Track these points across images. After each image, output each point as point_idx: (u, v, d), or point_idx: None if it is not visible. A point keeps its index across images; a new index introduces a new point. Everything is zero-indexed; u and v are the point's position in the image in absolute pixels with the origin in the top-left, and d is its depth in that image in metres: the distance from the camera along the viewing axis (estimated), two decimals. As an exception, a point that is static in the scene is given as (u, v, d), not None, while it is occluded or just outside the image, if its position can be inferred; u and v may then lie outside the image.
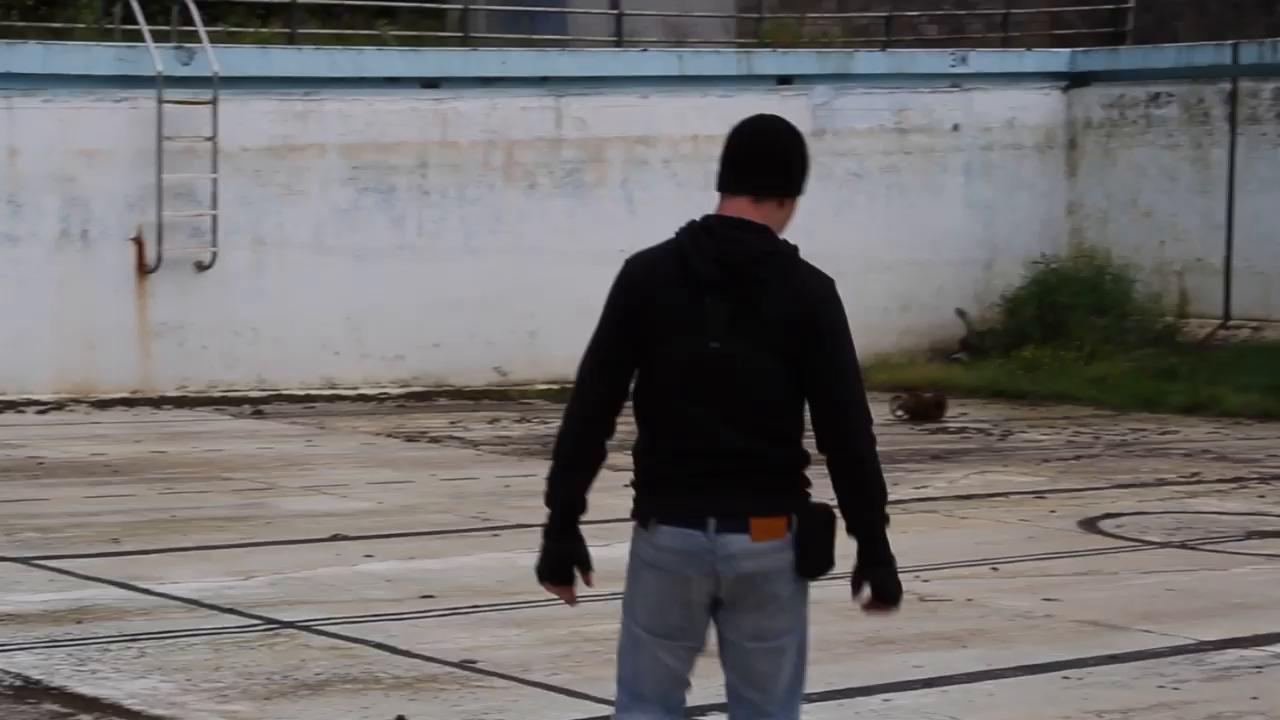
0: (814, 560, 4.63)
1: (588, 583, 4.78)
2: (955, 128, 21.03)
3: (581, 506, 4.73)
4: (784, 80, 20.10)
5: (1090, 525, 11.68)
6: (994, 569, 10.22)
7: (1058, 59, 21.81)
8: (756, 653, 4.68)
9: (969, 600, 9.35)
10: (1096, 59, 21.80)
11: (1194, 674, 7.93)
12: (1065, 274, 20.53)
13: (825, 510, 4.65)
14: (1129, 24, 23.05)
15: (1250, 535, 11.44)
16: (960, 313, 20.77)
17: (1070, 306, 20.10)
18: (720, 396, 4.56)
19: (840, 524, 4.69)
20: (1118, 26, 23.08)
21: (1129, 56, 21.77)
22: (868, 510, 4.65)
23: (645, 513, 4.68)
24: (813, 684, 6.83)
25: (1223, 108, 20.87)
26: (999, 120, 21.31)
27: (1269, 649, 8.38)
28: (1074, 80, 21.79)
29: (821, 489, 4.71)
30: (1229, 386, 18.37)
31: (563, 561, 4.76)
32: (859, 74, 20.53)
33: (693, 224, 4.65)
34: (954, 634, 8.64)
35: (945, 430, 16.54)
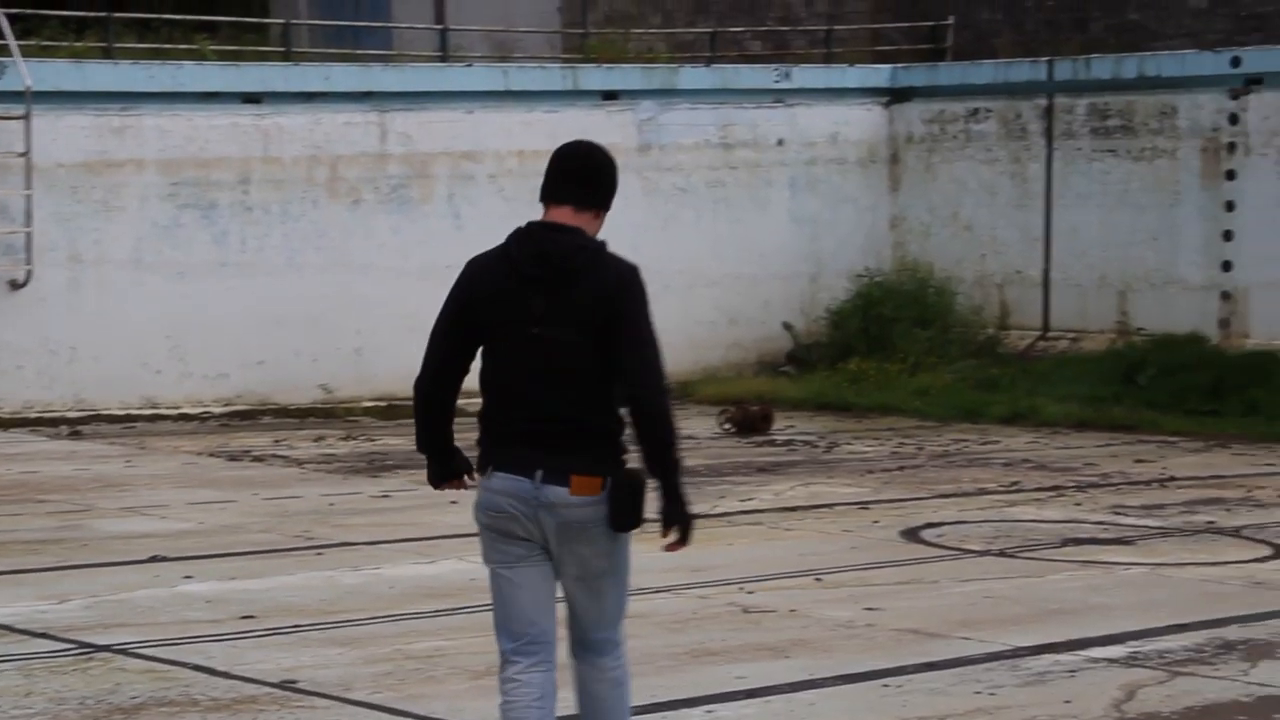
0: (623, 517, 5.48)
1: (471, 478, 5.67)
2: (780, 143, 21.22)
3: (448, 439, 5.68)
4: (609, 95, 20.15)
5: (912, 535, 11.82)
6: (817, 579, 10.30)
7: (879, 75, 22.10)
8: (581, 590, 5.60)
9: (792, 611, 9.41)
10: (917, 75, 22.12)
11: (1009, 679, 8.04)
12: (889, 287, 20.79)
13: (636, 475, 5.48)
14: (948, 41, 23.42)
15: (1066, 542, 11.63)
16: (787, 326, 20.95)
17: (894, 319, 20.35)
18: (545, 372, 5.46)
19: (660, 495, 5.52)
20: (937, 43, 23.43)
21: (948, 73, 22.12)
22: (663, 455, 5.48)
23: (485, 462, 5.60)
24: (636, 696, 6.85)
25: (1039, 123, 21.27)
26: (823, 135, 21.54)
27: (1082, 653, 8.52)
28: (895, 96, 22.09)
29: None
30: (1048, 397, 18.71)
31: (445, 469, 5.72)
32: (684, 89, 20.64)
33: (518, 229, 5.57)
34: (777, 645, 8.70)
35: (772, 443, 16.66)
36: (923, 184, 22.05)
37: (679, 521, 5.53)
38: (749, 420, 17.35)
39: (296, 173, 18.39)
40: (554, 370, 5.45)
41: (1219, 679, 8.07)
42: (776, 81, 21.27)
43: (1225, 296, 19.88)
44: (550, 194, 5.55)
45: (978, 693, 7.80)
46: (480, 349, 5.60)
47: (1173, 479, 14.56)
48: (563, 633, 5.74)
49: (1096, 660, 8.40)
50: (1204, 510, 12.96)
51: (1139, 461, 15.59)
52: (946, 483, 14.27)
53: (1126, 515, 12.73)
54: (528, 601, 5.55)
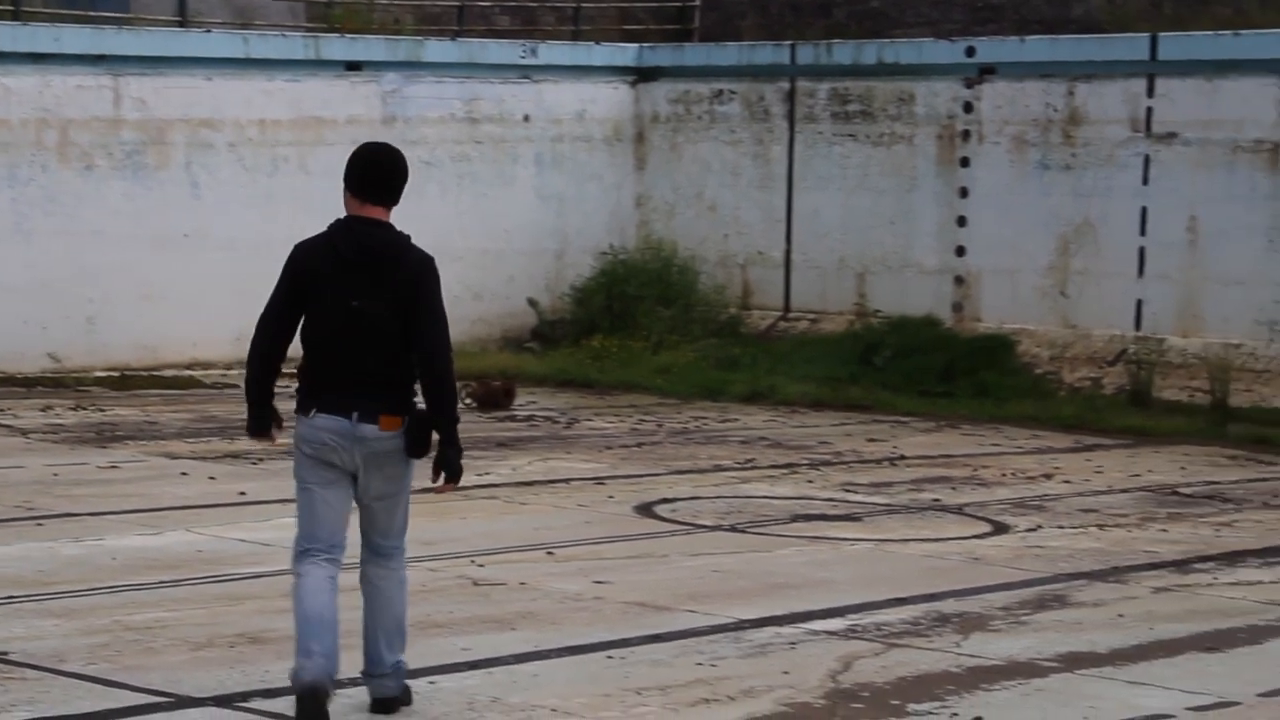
0: (417, 446, 6.97)
1: (279, 428, 7.04)
2: (526, 119, 21.20)
3: (270, 395, 7.03)
4: (353, 66, 19.92)
5: (646, 510, 11.91)
6: (549, 553, 10.33)
7: (626, 53, 22.18)
8: (378, 507, 7.06)
9: (522, 584, 9.42)
10: (663, 55, 22.26)
11: (731, 651, 8.15)
12: (633, 265, 20.90)
13: (426, 415, 6.95)
14: (695, 21, 23.60)
15: (796, 518, 11.82)
16: (532, 302, 20.95)
17: (638, 297, 20.47)
18: (359, 336, 6.88)
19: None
20: (684, 24, 23.60)
21: (694, 53, 22.29)
22: (443, 412, 6.95)
23: (308, 406, 6.96)
24: (354, 667, 6.81)
25: (782, 106, 21.55)
26: (569, 112, 21.56)
27: (804, 626, 8.67)
28: (641, 75, 22.21)
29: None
30: (787, 376, 18.99)
31: (262, 422, 7.04)
32: (430, 62, 20.49)
33: (339, 222, 6.96)
34: (504, 617, 8.71)
35: (514, 418, 16.66)
36: (668, 163, 22.21)
37: (454, 464, 7.03)
38: (491, 396, 17.32)
39: (25, 135, 17.84)
40: (367, 336, 6.88)
41: (932, 650, 8.27)
42: (523, 57, 21.23)
43: (959, 281, 20.36)
44: (363, 194, 6.92)
45: (699, 664, 7.89)
46: (306, 318, 6.95)
47: (903, 458, 14.87)
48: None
49: (817, 633, 8.55)
50: (931, 488, 13.27)
51: (872, 440, 15.90)
52: (684, 459, 14.40)
53: (856, 493, 12.97)
54: (333, 515, 6.98)
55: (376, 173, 6.94)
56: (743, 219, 21.74)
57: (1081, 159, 19.49)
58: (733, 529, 11.38)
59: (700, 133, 22.02)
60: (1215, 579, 10.19)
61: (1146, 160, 19.12)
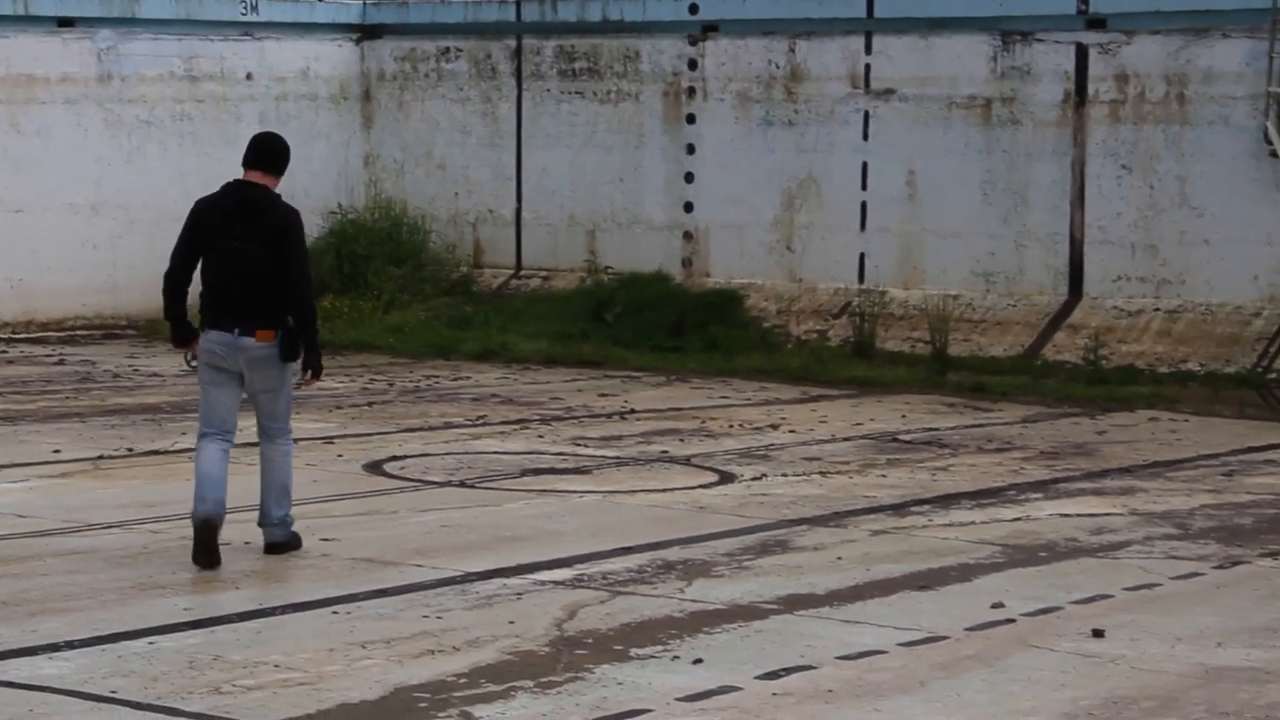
0: (288, 352, 9.01)
1: (197, 341, 9.10)
2: (249, 77, 20.87)
3: (184, 313, 9.09)
4: (65, 23, 19.40)
5: (375, 468, 11.86)
6: (275, 513, 10.22)
7: (350, 11, 21.96)
8: (263, 399, 9.16)
9: (247, 543, 9.33)
10: (388, 12, 22.09)
11: (458, 603, 8.18)
12: (363, 225, 20.75)
13: (293, 330, 8.98)
14: (421, -22, 23.41)
15: (525, 473, 11.88)
16: (259, 263, 20.67)
17: (368, 257, 20.33)
18: (241, 269, 8.92)
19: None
20: (410, -20, 23.38)
21: (419, 10, 22.14)
22: (308, 329, 9.06)
23: (204, 324, 9.05)
24: (76, 630, 6.72)
25: (509, 64, 21.54)
26: (293, 70, 21.28)
27: (530, 577, 8.74)
28: (366, 32, 22.01)
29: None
30: (520, 334, 19.04)
31: (182, 334, 9.18)
32: (146, 19, 20.04)
33: (228, 183, 9.12)
34: (229, 576, 8.62)
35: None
36: (396, 122, 22.06)
37: (315, 364, 9.15)
38: (217, 358, 17.04)
39: None
40: (246, 270, 8.91)
41: (657, 597, 8.40)
42: (243, 14, 20.88)
43: (687, 236, 20.59)
44: (248, 163, 9.10)
45: (425, 617, 7.91)
46: (202, 256, 9.03)
47: (633, 412, 15.03)
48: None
49: (543, 583, 8.62)
50: (660, 441, 13.43)
51: (603, 395, 16.03)
52: (414, 417, 14.37)
53: (586, 446, 13.07)
54: (223, 407, 9.13)
55: (255, 148, 9.15)
56: (472, 177, 21.71)
57: (804, 115, 19.83)
58: (462, 484, 11.39)
59: (428, 91, 21.92)
60: (930, 521, 10.49)
61: (866, 116, 19.52)
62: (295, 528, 9.32)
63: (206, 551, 8.81)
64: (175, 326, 9.17)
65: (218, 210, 9.02)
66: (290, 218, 9.02)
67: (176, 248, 9.10)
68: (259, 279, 8.88)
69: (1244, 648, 7.70)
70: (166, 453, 12.21)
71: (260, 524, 9.23)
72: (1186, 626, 8.02)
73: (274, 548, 9.16)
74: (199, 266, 9.04)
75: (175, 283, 9.05)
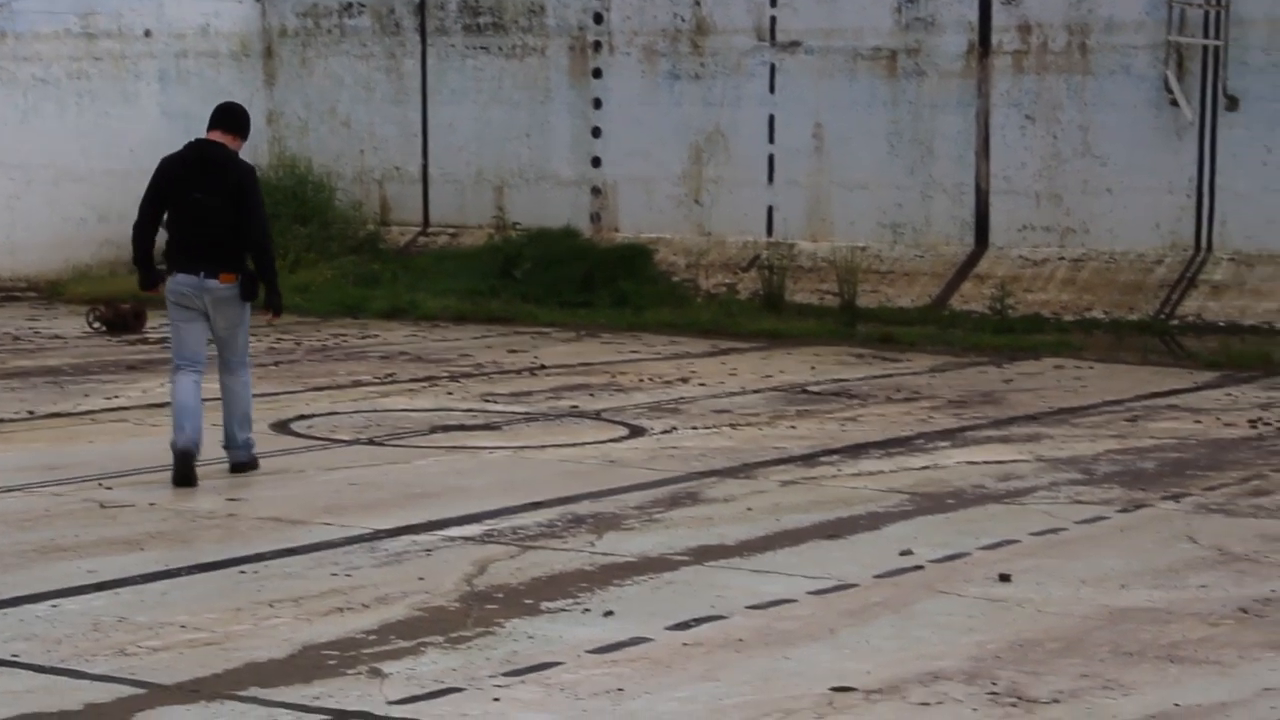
0: (248, 292, 9.98)
1: (163, 282, 10.03)
2: (147, 34, 20.61)
3: (150, 259, 10.03)
4: (-46, -19, 19.14)
5: (282, 427, 11.78)
6: (181, 473, 10.14)
7: (252, -34, 21.73)
8: (225, 336, 10.10)
9: (152, 505, 9.25)
10: (291, -32, 21.87)
11: (366, 561, 8.14)
12: (267, 183, 20.43)
13: (253, 273, 9.96)
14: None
15: (435, 430, 11.83)
16: (164, 224, 20.43)
17: (273, 216, 19.86)
18: (205, 219, 9.85)
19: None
20: (312, -64, 23.13)
21: (323, -34, 21.95)
22: (267, 271, 10.03)
23: (171, 268, 9.94)
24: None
25: (413, 19, 21.38)
26: (192, 27, 21.03)
27: (440, 533, 8.70)
28: (269, -11, 21.80)
29: None
30: (428, 291, 18.96)
31: (150, 278, 10.14)
32: (41, -25, 19.80)
33: (191, 142, 10.06)
34: (133, 538, 8.54)
35: (145, 341, 16.31)
36: (299, 79, 21.86)
37: (276, 302, 10.10)
38: (121, 318, 16.91)
39: None
40: (208, 219, 9.85)
41: (567, 551, 8.38)
42: (142, -29, 20.65)
43: (595, 191, 20.54)
44: (212, 125, 10.01)
45: (334, 575, 7.86)
46: (168, 208, 9.91)
47: (543, 367, 15.00)
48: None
49: (453, 539, 8.59)
50: (569, 396, 13.41)
51: (512, 351, 15.98)
52: (322, 376, 14.28)
53: (496, 402, 13.04)
54: (192, 341, 10.02)
55: (219, 113, 10.13)
56: (378, 134, 21.56)
57: (710, 69, 19.81)
58: (371, 442, 11.33)
59: (331, 47, 21.73)
60: (839, 471, 10.53)
61: (772, 69, 19.53)
62: (201, 488, 9.30)
63: (184, 476, 9.75)
64: (142, 271, 10.12)
65: (181, 166, 9.95)
66: (248, 173, 10.00)
67: (143, 201, 9.99)
68: (221, 228, 9.83)
69: (1146, 589, 7.78)
70: (68, 415, 12.08)
71: (225, 446, 10.21)
72: (1091, 569, 8.10)
73: (239, 467, 10.17)
74: (165, 217, 9.94)
75: (142, 232, 9.95)
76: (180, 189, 9.85)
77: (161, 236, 10.04)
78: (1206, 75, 17.58)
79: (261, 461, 10.33)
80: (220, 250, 9.86)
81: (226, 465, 10.17)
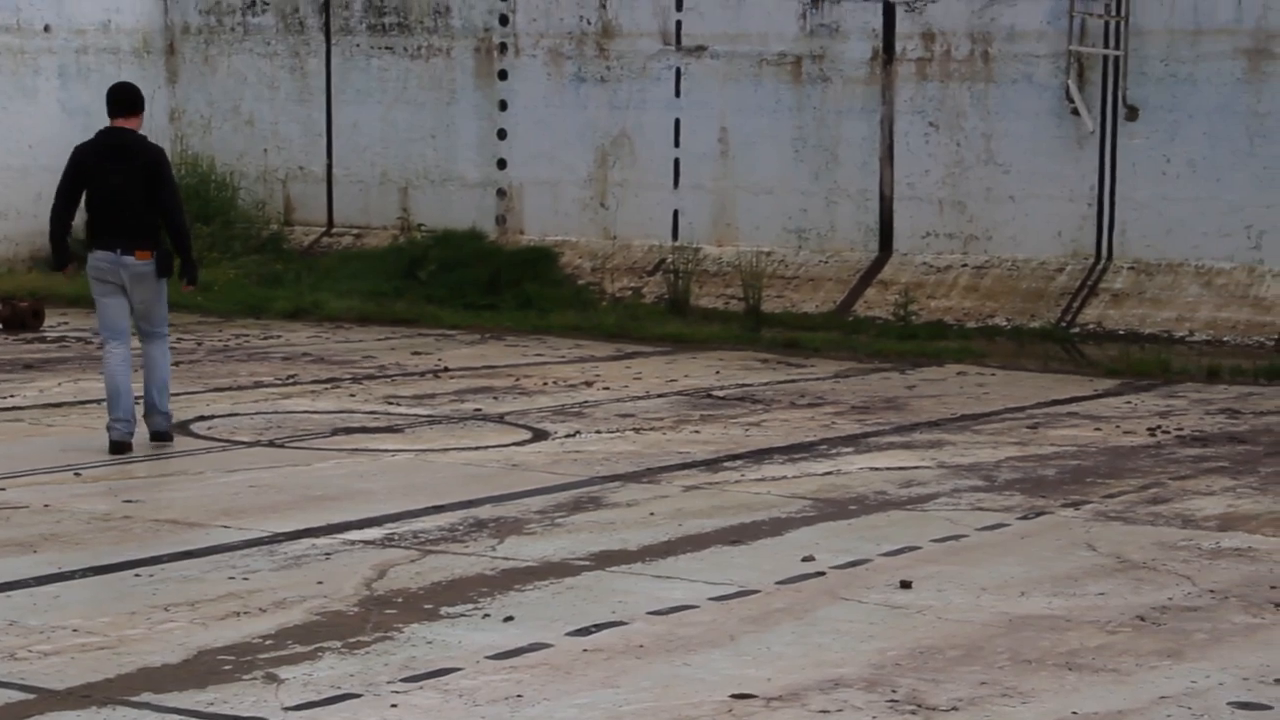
0: (163, 268, 10.76)
1: (73, 263, 10.95)
2: (47, 29, 20.36)
3: (65, 242, 10.78)
4: None
5: (182, 428, 11.64)
6: (76, 474, 10.02)
7: (155, -37, 21.51)
8: (143, 309, 10.83)
9: (46, 506, 9.12)
10: (195, -35, 21.66)
11: (265, 564, 8.05)
12: (170, 182, 20.34)
13: (167, 250, 10.77)
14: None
15: (336, 432, 11.74)
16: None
17: (175, 214, 19.92)
18: (120, 199, 10.62)
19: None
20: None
21: (228, -36, 21.75)
22: (184, 246, 10.85)
23: (92, 246, 10.70)
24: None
25: (317, 18, 21.23)
26: (93, 23, 20.79)
27: (340, 536, 8.62)
28: (172, -15, 21.58)
29: None
30: (332, 292, 18.82)
31: (63, 259, 10.88)
32: (-64, -33, 19.53)
33: (102, 130, 10.76)
34: (26, 540, 8.40)
35: (43, 339, 16.09)
36: (202, 76, 21.67)
37: (192, 273, 10.93)
38: (18, 316, 16.69)
39: None
40: (124, 200, 10.61)
41: (468, 555, 8.33)
42: (41, -35, 20.40)
43: (501, 193, 20.47)
44: (111, 112, 10.77)
45: (231, 578, 7.77)
46: (85, 191, 10.69)
47: (447, 370, 14.92)
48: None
49: (353, 543, 8.51)
50: (473, 398, 13.35)
51: (416, 354, 15.89)
52: (223, 377, 14.14)
53: (399, 405, 12.95)
54: (115, 314, 10.79)
55: (116, 98, 10.78)
56: (282, 133, 21.40)
57: (616, 72, 19.80)
58: (271, 444, 11.22)
59: (234, 45, 21.55)
60: (743, 476, 10.53)
61: (678, 73, 19.54)
62: (97, 490, 9.13)
63: (121, 453, 10.62)
64: (56, 252, 10.90)
65: (94, 153, 10.74)
66: (159, 155, 10.81)
67: (60, 188, 10.79)
68: (135, 207, 10.62)
69: (1046, 596, 7.82)
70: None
71: (145, 415, 10.93)
72: (991, 576, 8.13)
73: (158, 435, 10.92)
74: (84, 201, 10.69)
75: (59, 217, 10.75)
76: (96, 174, 10.63)
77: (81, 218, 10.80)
78: (1107, 85, 17.75)
79: (159, 464, 10.21)
80: (135, 228, 10.62)
81: (129, 445, 10.68)
